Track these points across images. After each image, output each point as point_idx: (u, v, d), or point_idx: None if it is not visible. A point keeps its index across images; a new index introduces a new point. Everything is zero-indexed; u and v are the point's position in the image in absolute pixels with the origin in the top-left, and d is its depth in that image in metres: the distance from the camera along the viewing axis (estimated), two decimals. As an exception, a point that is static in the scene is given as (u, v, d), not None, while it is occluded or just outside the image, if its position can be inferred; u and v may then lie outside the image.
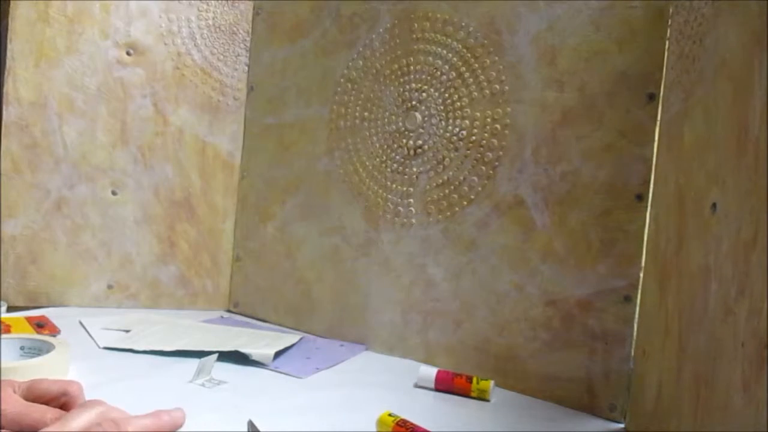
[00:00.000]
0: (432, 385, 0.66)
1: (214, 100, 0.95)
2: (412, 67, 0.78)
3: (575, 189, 0.65)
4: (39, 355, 0.60)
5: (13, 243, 0.84)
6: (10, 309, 0.81)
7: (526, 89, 0.69)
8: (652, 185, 0.60)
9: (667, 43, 0.59)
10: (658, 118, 0.60)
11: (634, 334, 0.61)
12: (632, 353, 0.61)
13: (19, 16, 0.82)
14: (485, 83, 0.72)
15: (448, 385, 0.66)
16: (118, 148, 0.89)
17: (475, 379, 0.65)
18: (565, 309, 0.65)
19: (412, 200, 0.78)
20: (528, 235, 0.68)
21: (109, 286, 0.90)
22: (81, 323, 0.79)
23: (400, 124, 0.79)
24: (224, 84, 0.95)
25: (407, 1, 0.79)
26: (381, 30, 0.81)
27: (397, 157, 0.79)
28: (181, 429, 0.46)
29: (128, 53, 0.89)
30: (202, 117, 0.94)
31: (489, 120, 0.72)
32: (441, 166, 0.75)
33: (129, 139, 0.89)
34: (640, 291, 0.60)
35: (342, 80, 0.85)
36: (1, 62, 0.82)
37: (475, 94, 0.73)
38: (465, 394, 0.65)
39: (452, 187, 0.74)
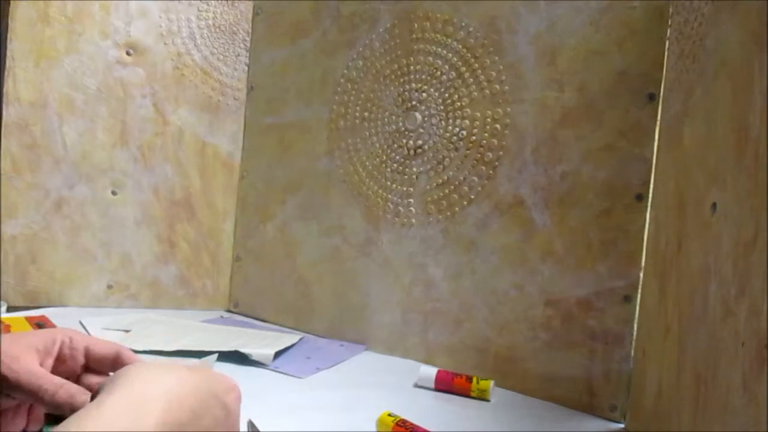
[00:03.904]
0: (432, 385, 0.66)
1: (214, 100, 0.95)
2: (412, 67, 0.78)
3: (575, 189, 0.65)
4: (39, 355, 0.59)
5: (13, 243, 0.84)
6: (10, 309, 0.81)
7: (526, 89, 0.69)
8: (652, 185, 0.60)
9: (667, 43, 0.59)
10: (658, 118, 0.60)
11: (634, 334, 0.61)
12: (632, 353, 0.61)
13: (19, 16, 0.82)
14: (485, 83, 0.72)
15: (448, 385, 0.66)
16: (118, 148, 0.89)
17: (475, 379, 0.65)
18: (565, 309, 0.65)
19: (412, 200, 0.78)
20: (528, 235, 0.68)
21: (109, 286, 0.90)
22: (81, 323, 0.79)
23: (400, 124, 0.79)
24: (224, 84, 0.95)
25: (407, 1, 0.79)
26: (381, 30, 0.81)
27: (397, 157, 0.79)
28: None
29: (128, 53, 0.89)
30: (202, 117, 0.94)
31: (489, 120, 0.72)
32: (441, 166, 0.75)
33: (129, 139, 0.89)
34: (640, 291, 0.60)
35: (342, 80, 0.85)
36: (1, 62, 0.82)
37: (475, 94, 0.73)
38: (465, 394, 0.65)
39: (452, 187, 0.74)
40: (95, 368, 0.48)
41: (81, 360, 0.47)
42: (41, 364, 0.43)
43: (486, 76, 0.72)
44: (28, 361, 0.43)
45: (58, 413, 0.44)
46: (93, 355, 0.47)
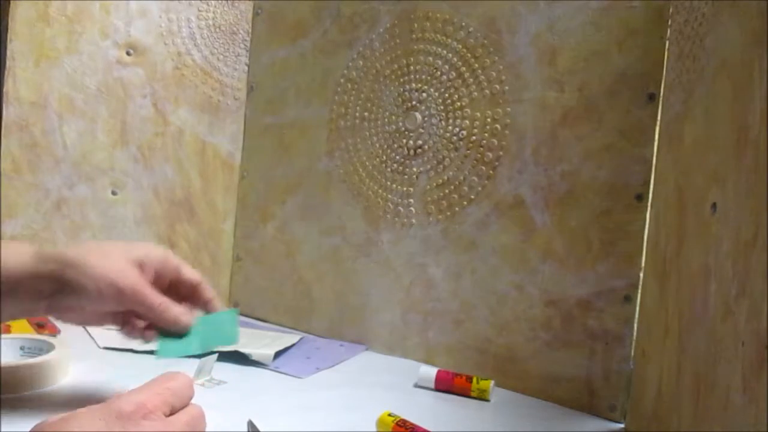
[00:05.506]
0: (432, 385, 0.66)
1: (214, 100, 0.95)
2: (412, 67, 0.78)
3: (575, 189, 0.65)
4: (39, 355, 0.60)
5: (13, 243, 0.84)
6: (10, 309, 0.81)
7: (526, 89, 0.69)
8: (652, 185, 0.60)
9: (667, 43, 0.59)
10: (658, 118, 0.60)
11: (634, 334, 0.61)
12: (632, 353, 0.61)
13: (19, 16, 0.82)
14: (485, 83, 0.72)
15: (448, 385, 0.66)
16: (118, 148, 0.89)
17: (475, 379, 0.65)
18: (565, 309, 0.65)
19: (412, 200, 0.78)
20: (528, 235, 0.68)
21: (109, 286, 0.90)
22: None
23: (400, 124, 0.79)
24: (224, 84, 0.95)
25: (407, 1, 0.79)
26: (381, 30, 0.81)
27: (397, 157, 0.79)
28: None
29: (128, 53, 0.89)
30: (202, 117, 0.94)
31: (489, 120, 0.72)
32: (441, 166, 0.75)
33: (129, 139, 0.89)
34: (640, 291, 0.60)
35: (342, 80, 0.85)
36: (1, 62, 0.82)
37: (475, 94, 0.73)
38: (465, 394, 0.65)
39: (452, 187, 0.74)
40: (177, 289, 0.51)
41: (169, 279, 0.50)
42: None
43: (486, 76, 0.72)
44: (140, 277, 0.47)
45: (166, 328, 0.48)
46: (181, 278, 0.51)
